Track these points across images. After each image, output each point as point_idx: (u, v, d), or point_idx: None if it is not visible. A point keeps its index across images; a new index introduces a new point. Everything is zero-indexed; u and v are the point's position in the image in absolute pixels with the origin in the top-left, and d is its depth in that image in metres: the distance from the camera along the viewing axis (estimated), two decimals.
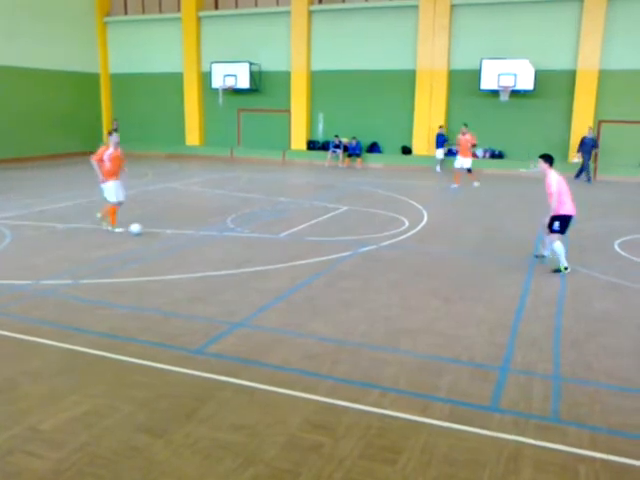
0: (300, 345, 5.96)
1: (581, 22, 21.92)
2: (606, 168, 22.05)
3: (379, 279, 8.36)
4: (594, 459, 4.07)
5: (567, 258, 8.77)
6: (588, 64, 21.96)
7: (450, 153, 23.16)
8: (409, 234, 11.27)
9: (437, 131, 23.39)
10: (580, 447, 4.20)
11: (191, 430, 4.34)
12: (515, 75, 22.14)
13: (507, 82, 22.25)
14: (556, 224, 8.55)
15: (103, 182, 10.85)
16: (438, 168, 23.25)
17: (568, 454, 4.13)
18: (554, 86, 22.64)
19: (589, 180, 20.85)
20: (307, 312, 6.93)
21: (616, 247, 10.54)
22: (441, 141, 23.16)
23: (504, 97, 22.61)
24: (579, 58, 22.10)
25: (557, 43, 22.45)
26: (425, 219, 12.75)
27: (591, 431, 4.41)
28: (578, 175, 21.02)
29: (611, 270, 8.97)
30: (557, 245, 8.57)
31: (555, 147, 22.95)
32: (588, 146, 20.73)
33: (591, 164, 21.19)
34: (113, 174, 10.85)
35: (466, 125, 19.70)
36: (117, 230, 10.95)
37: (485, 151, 23.77)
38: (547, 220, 8.66)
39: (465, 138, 18.74)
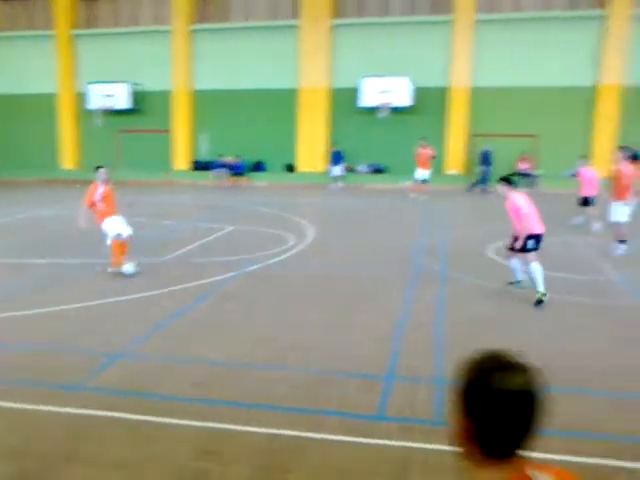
0: (186, 372, 5.78)
1: (452, 42, 23.36)
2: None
3: (265, 298, 8.34)
4: None
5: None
6: (460, 81, 23.41)
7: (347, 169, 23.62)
8: (294, 251, 11.35)
9: (332, 149, 23.68)
10: None
11: (72, 474, 4.07)
12: (393, 92, 23.11)
13: (386, 99, 23.16)
14: (530, 242, 8.02)
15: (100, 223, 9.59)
16: (340, 184, 23.52)
17: (453, 454, 4.28)
18: (430, 102, 23.89)
19: (485, 192, 21.96)
20: (193, 336, 6.76)
21: (490, 252, 11.18)
22: (338, 158, 23.49)
23: (383, 114, 23.52)
24: (452, 76, 23.51)
25: (432, 62, 23.77)
26: (311, 236, 12.91)
27: None
28: (475, 185, 22.21)
29: (486, 275, 9.49)
30: (535, 265, 8.00)
31: (457, 160, 24.23)
32: (486, 158, 21.99)
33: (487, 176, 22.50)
34: (109, 213, 9.58)
35: (425, 139, 20.81)
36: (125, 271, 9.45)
37: (368, 166, 24.53)
38: (520, 243, 8.09)
39: (425, 152, 20.04)
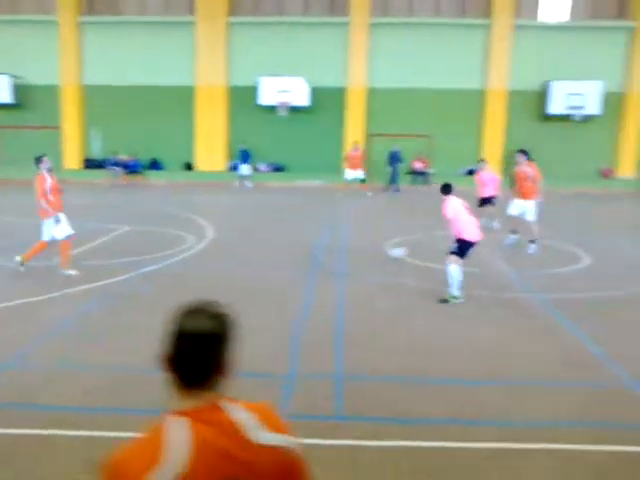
0: (76, 379, 5.47)
1: (349, 43, 23.79)
2: (381, 178, 24.07)
3: (161, 299, 8.05)
4: (376, 447, 4.32)
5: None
6: (356, 82, 23.89)
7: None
8: (194, 251, 11.09)
9: (239, 147, 23.25)
10: (363, 439, 4.42)
11: None
12: (291, 92, 23.20)
13: (284, 98, 23.21)
14: (455, 245, 8.10)
15: (48, 217, 8.98)
16: (247, 183, 23.22)
17: (353, 447, 4.33)
18: (328, 102, 24.20)
19: (396, 190, 22.48)
20: (84, 342, 6.40)
21: (389, 250, 11.46)
22: (246, 157, 23.16)
23: (282, 112, 23.56)
24: (349, 77, 23.94)
25: (329, 62, 24.07)
26: (211, 235, 12.67)
27: (373, 422, 4.68)
28: (390, 185, 22.64)
29: (385, 272, 9.71)
30: (452, 268, 8.01)
31: (330, 159, 24.59)
32: (395, 159, 22.47)
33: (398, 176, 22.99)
34: (58, 207, 9.06)
35: (357, 142, 21.72)
36: (72, 273, 9.13)
37: (268, 165, 24.50)
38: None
39: (357, 154, 20.87)
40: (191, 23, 24.01)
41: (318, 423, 4.65)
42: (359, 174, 21.22)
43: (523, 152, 12.15)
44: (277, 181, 24.00)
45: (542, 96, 23.99)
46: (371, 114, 24.32)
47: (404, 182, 23.24)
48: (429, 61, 24.00)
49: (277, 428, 1.87)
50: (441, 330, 6.95)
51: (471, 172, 24.50)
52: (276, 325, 7.02)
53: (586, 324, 7.18)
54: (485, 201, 14.23)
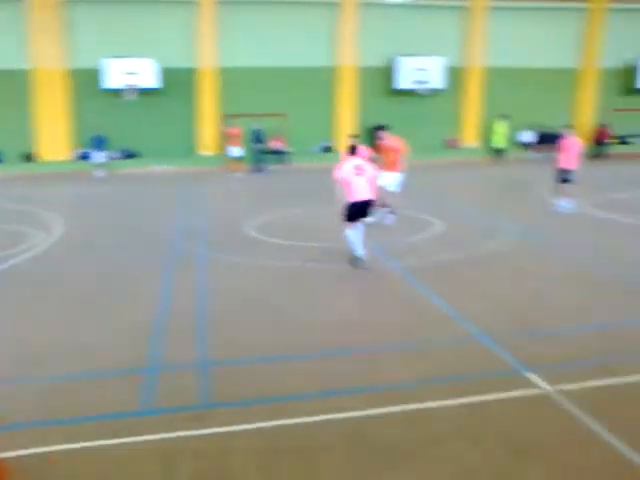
0: None
1: (197, 23, 23.06)
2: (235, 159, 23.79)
3: (9, 299, 7.42)
4: (248, 431, 4.26)
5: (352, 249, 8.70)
6: (207, 62, 23.29)
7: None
8: (42, 247, 10.28)
9: (90, 134, 21.85)
10: (234, 424, 4.34)
11: None
12: (139, 74, 22.11)
13: (131, 81, 22.09)
14: (344, 213, 8.58)
15: None
16: (101, 172, 21.73)
17: (224, 434, 4.23)
18: (179, 84, 23.38)
19: (260, 170, 22.16)
20: None
21: (249, 230, 11.37)
22: (100, 144, 21.73)
23: (130, 96, 22.42)
24: (198, 57, 23.27)
25: (177, 43, 23.20)
26: (61, 229, 11.82)
27: (243, 406, 4.61)
28: (258, 167, 22.25)
29: (246, 252, 9.62)
30: (347, 234, 8.67)
31: (185, 141, 23.93)
32: (257, 137, 22.10)
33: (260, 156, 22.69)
34: None
35: (232, 121, 21.62)
36: None
37: (118, 151, 23.28)
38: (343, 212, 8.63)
39: (234, 131, 21.28)
40: (20, 0, 22.01)
41: (185, 414, 4.50)
42: (239, 151, 21.59)
43: (381, 128, 12.42)
44: (130, 168, 22.88)
45: (390, 72, 24.91)
46: (224, 94, 23.87)
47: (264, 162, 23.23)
48: (280, 40, 23.93)
49: None
50: (304, 305, 7.01)
51: (327, 149, 25.02)
52: (135, 317, 6.69)
53: (437, 286, 7.58)
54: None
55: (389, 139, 12.22)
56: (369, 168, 8.75)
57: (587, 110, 27.22)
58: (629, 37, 27.06)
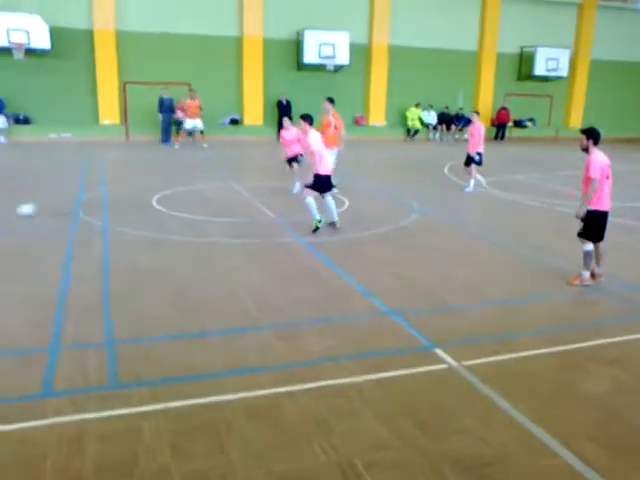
0: None
1: None
2: (136, 128, 22.87)
3: None
4: (156, 411, 4.14)
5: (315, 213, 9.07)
6: (103, 24, 22.06)
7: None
8: None
9: None
10: (141, 405, 4.21)
11: None
12: (28, 31, 20.54)
13: (19, 39, 20.50)
14: (311, 180, 8.85)
15: None
16: (2, 139, 20.49)
17: (131, 415, 4.09)
18: (74, 46, 22.02)
19: (167, 141, 21.68)
20: None
21: (154, 203, 11.00)
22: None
23: (18, 55, 20.81)
24: (95, 17, 21.96)
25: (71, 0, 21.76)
26: None
27: (150, 386, 4.47)
28: (167, 139, 21.71)
29: (150, 226, 9.31)
30: (307, 201, 8.90)
31: (84, 108, 22.65)
32: (167, 107, 21.32)
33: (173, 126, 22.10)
34: None
35: (193, 90, 21.56)
36: None
37: (8, 117, 21.70)
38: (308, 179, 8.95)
39: (194, 103, 20.80)
40: None
41: (90, 395, 4.30)
42: (198, 123, 21.01)
43: (330, 100, 12.21)
44: (25, 135, 21.42)
45: (297, 45, 24.72)
46: (124, 60, 22.74)
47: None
48: (184, 5, 23.07)
49: None
50: (212, 282, 6.88)
51: (234, 121, 24.58)
52: (35, 293, 6.31)
53: (347, 262, 7.70)
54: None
55: (331, 115, 12.01)
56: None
57: (487, 93, 28.38)
58: (525, 25, 28.39)
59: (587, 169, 6.65)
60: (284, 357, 5.00)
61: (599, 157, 6.65)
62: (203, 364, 4.84)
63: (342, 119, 12.56)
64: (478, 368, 4.84)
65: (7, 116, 21.02)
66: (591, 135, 6.69)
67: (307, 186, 9.01)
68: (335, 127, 12.12)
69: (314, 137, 8.95)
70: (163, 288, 6.62)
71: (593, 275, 7.04)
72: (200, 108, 21.38)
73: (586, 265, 6.94)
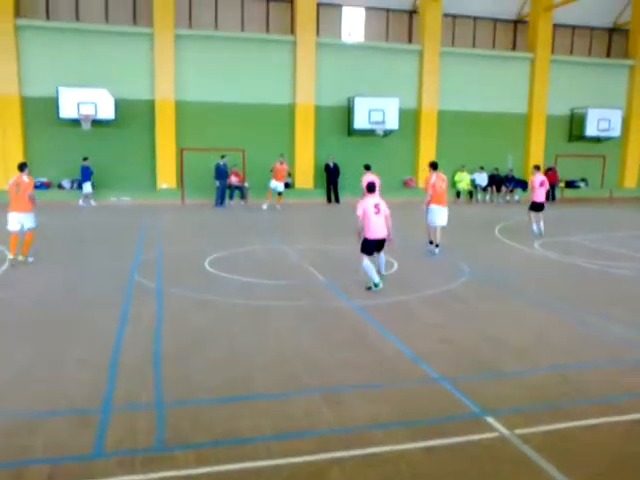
0: None
1: (155, 55, 23.10)
2: (192, 193, 23.68)
3: None
4: (201, 475, 4.14)
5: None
6: (165, 95, 23.30)
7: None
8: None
9: (83, 164, 21.89)
10: (187, 467, 4.22)
11: None
12: (95, 104, 21.90)
13: (87, 111, 21.86)
14: (361, 247, 9.38)
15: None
16: (93, 202, 22.27)
17: (177, 478, 4.11)
18: (136, 115, 23.29)
19: (222, 204, 22.59)
20: None
21: (206, 265, 11.26)
22: (88, 174, 21.96)
23: (86, 126, 22.15)
24: (157, 89, 23.26)
25: (135, 74, 23.19)
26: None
27: (196, 449, 4.49)
28: (221, 202, 22.52)
29: (203, 288, 9.51)
30: (364, 264, 9.33)
31: (143, 173, 23.70)
32: (223, 172, 22.23)
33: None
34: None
35: (282, 155, 22.46)
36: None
37: (72, 182, 22.90)
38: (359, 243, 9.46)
39: (282, 167, 21.76)
40: None
41: (139, 457, 4.34)
42: (280, 186, 21.85)
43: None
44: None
45: (347, 111, 25.38)
46: (181, 127, 23.85)
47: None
48: (238, 75, 24.18)
49: None
50: (262, 344, 6.92)
51: (287, 185, 25.14)
52: (90, 354, 6.50)
53: (393, 326, 7.63)
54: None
55: (436, 175, 12.95)
56: (384, 206, 9.44)
57: (538, 154, 28.24)
58: (574, 87, 28.42)
59: None
60: (331, 422, 4.94)
61: None
62: (250, 427, 4.83)
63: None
64: (532, 437, 4.66)
65: (93, 183, 22.32)
66: None
67: (361, 251, 9.41)
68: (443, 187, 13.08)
69: (360, 204, 9.40)
70: (213, 350, 6.70)
71: None
72: (288, 173, 22.85)
73: None
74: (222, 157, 22.37)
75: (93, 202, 22.29)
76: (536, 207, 15.60)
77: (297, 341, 7.05)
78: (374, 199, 9.44)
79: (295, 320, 7.92)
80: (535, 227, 15.52)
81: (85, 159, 22.02)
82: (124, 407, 5.20)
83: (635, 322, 8.02)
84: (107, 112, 22.20)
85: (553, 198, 27.47)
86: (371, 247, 9.38)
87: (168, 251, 12.87)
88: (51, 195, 22.09)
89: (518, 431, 4.75)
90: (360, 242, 9.43)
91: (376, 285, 9.35)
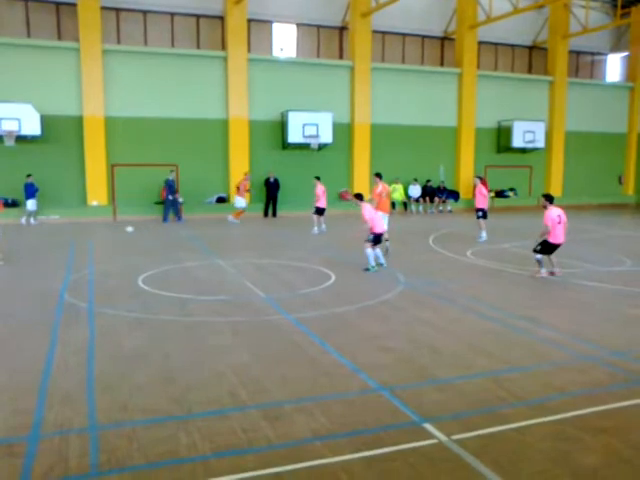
0: None
1: (81, 70, 22.50)
2: (124, 209, 23.11)
3: None
4: None
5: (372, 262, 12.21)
6: (92, 111, 22.69)
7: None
8: None
9: (27, 181, 21.06)
10: None
11: None
12: (19, 119, 21.08)
13: (11, 127, 21.02)
14: (371, 236, 12.10)
15: None
16: (33, 220, 21.29)
17: None
18: (63, 131, 22.58)
19: (180, 219, 22.75)
20: None
21: (140, 283, 10.98)
22: (32, 191, 21.09)
23: (9, 142, 21.27)
24: (85, 105, 22.63)
25: (61, 89, 22.48)
26: None
27: (132, 471, 4.34)
28: (165, 218, 22.39)
29: (136, 306, 9.26)
30: (368, 251, 12.15)
31: (72, 190, 22.98)
32: (172, 188, 22.10)
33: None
34: None
35: (247, 172, 23.23)
36: None
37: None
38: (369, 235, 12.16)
39: (247, 183, 22.43)
40: None
41: None
42: (243, 203, 22.42)
43: (378, 175, 15.13)
44: (8, 218, 21.52)
45: (281, 126, 25.46)
46: (111, 143, 23.29)
47: (156, 212, 23.01)
48: (169, 91, 23.87)
49: None
50: (199, 362, 6.79)
51: (220, 199, 24.95)
52: (16, 380, 6.18)
53: (331, 338, 7.65)
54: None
55: (382, 185, 14.74)
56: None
57: (467, 166, 29.14)
58: (500, 101, 29.59)
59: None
60: (271, 438, 4.88)
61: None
62: (188, 447, 4.71)
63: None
64: (469, 442, 4.75)
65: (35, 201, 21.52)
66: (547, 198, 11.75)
67: (368, 241, 12.11)
68: (387, 195, 15.05)
69: (366, 209, 12.18)
70: (148, 370, 6.52)
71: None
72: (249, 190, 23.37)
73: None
74: (171, 172, 22.25)
75: (33, 220, 21.43)
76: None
77: (234, 357, 6.96)
78: (371, 206, 12.75)
79: (232, 336, 7.82)
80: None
81: (29, 175, 21.20)
82: (54, 433, 4.96)
83: (562, 324, 8.34)
84: (32, 128, 21.38)
85: None
86: (379, 238, 12.34)
87: (100, 269, 12.48)
88: None
89: (456, 437, 4.83)
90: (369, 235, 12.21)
91: (373, 267, 12.18)
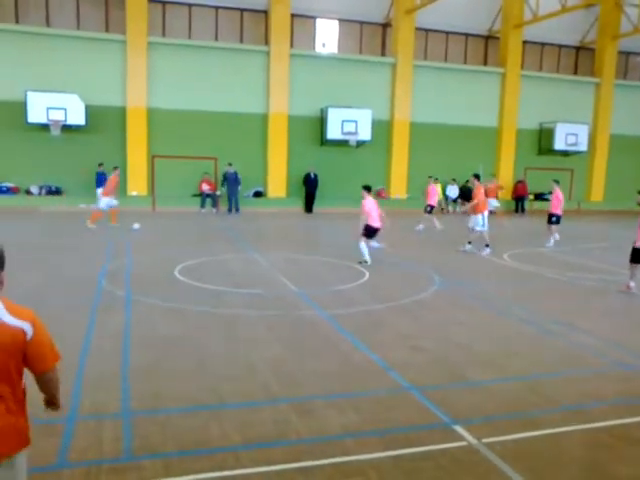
0: None
1: (126, 62, 22.90)
2: (162, 200, 23.46)
3: None
4: None
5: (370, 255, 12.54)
6: (137, 102, 23.07)
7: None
8: None
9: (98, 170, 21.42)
10: (155, 477, 4.15)
11: None
12: (65, 109, 21.60)
13: (57, 116, 21.54)
14: (364, 230, 12.34)
15: None
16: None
17: None
18: (107, 122, 23.02)
19: (230, 211, 23.22)
20: None
21: (176, 274, 11.15)
22: (103, 180, 21.03)
23: (55, 131, 21.82)
24: (128, 96, 23.03)
25: (106, 80, 22.92)
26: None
27: (164, 458, 4.42)
28: (230, 209, 23.06)
29: (172, 296, 9.40)
30: (361, 245, 12.47)
31: (140, 181, 23.35)
32: (232, 180, 22.59)
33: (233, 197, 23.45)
34: None
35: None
36: None
37: (41, 188, 22.51)
38: (361, 229, 12.42)
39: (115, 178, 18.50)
40: None
41: (104, 467, 4.26)
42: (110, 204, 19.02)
43: (476, 177, 15.57)
44: (52, 205, 22.07)
45: (320, 122, 25.49)
46: (153, 135, 23.66)
47: (194, 204, 23.35)
48: (211, 84, 24.11)
49: (18, 314, 2.86)
50: (232, 354, 6.87)
51: (257, 193, 25.12)
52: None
53: (364, 335, 7.64)
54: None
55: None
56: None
57: (507, 167, 28.70)
58: (544, 102, 29.02)
59: None
60: (301, 432, 4.91)
61: None
62: (219, 437, 4.78)
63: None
64: (499, 446, 4.69)
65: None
66: None
67: (362, 234, 12.33)
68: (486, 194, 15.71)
69: (366, 202, 12.35)
70: (182, 359, 6.62)
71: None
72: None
73: None
74: (229, 165, 22.58)
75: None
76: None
77: (267, 350, 7.01)
78: (373, 199, 12.74)
79: (265, 329, 7.88)
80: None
81: (100, 164, 21.75)
82: (90, 416, 5.09)
83: (601, 331, 8.17)
84: (77, 118, 21.90)
85: (522, 210, 27.98)
86: (373, 233, 12.54)
87: (138, 259, 12.71)
88: (17, 201, 21.72)
89: (486, 440, 4.78)
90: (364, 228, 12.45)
91: (366, 261, 12.35)
